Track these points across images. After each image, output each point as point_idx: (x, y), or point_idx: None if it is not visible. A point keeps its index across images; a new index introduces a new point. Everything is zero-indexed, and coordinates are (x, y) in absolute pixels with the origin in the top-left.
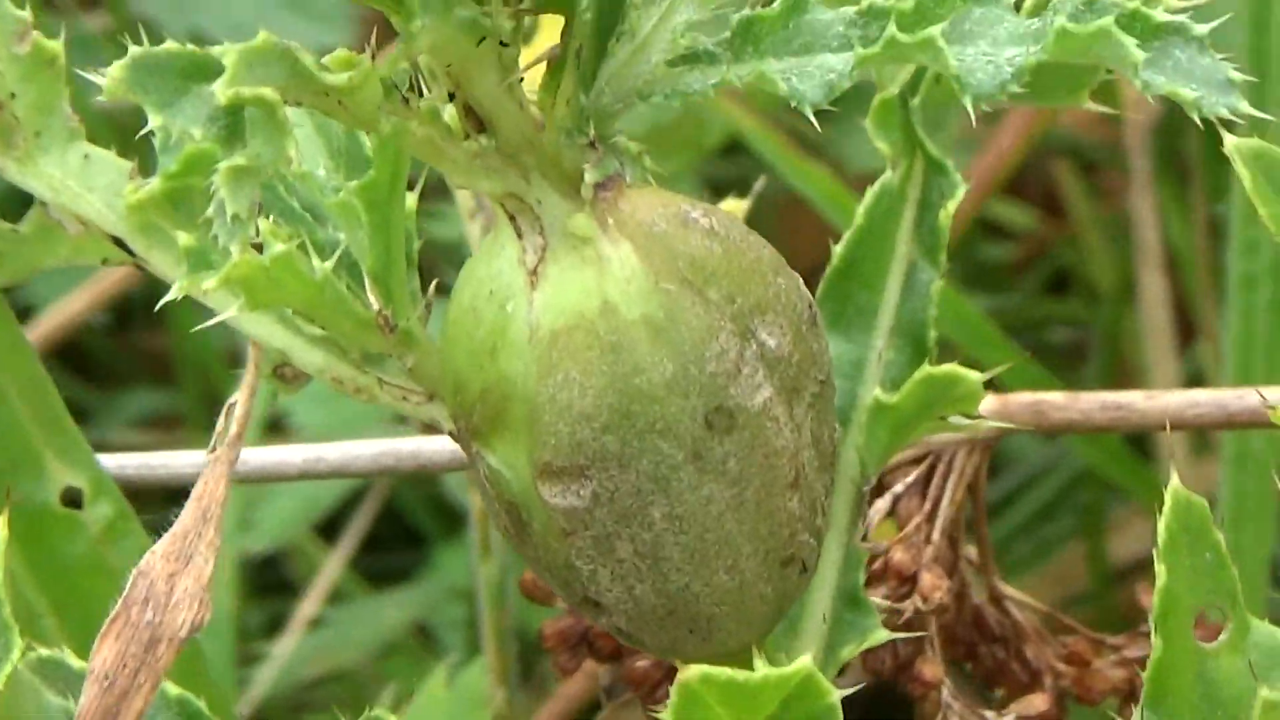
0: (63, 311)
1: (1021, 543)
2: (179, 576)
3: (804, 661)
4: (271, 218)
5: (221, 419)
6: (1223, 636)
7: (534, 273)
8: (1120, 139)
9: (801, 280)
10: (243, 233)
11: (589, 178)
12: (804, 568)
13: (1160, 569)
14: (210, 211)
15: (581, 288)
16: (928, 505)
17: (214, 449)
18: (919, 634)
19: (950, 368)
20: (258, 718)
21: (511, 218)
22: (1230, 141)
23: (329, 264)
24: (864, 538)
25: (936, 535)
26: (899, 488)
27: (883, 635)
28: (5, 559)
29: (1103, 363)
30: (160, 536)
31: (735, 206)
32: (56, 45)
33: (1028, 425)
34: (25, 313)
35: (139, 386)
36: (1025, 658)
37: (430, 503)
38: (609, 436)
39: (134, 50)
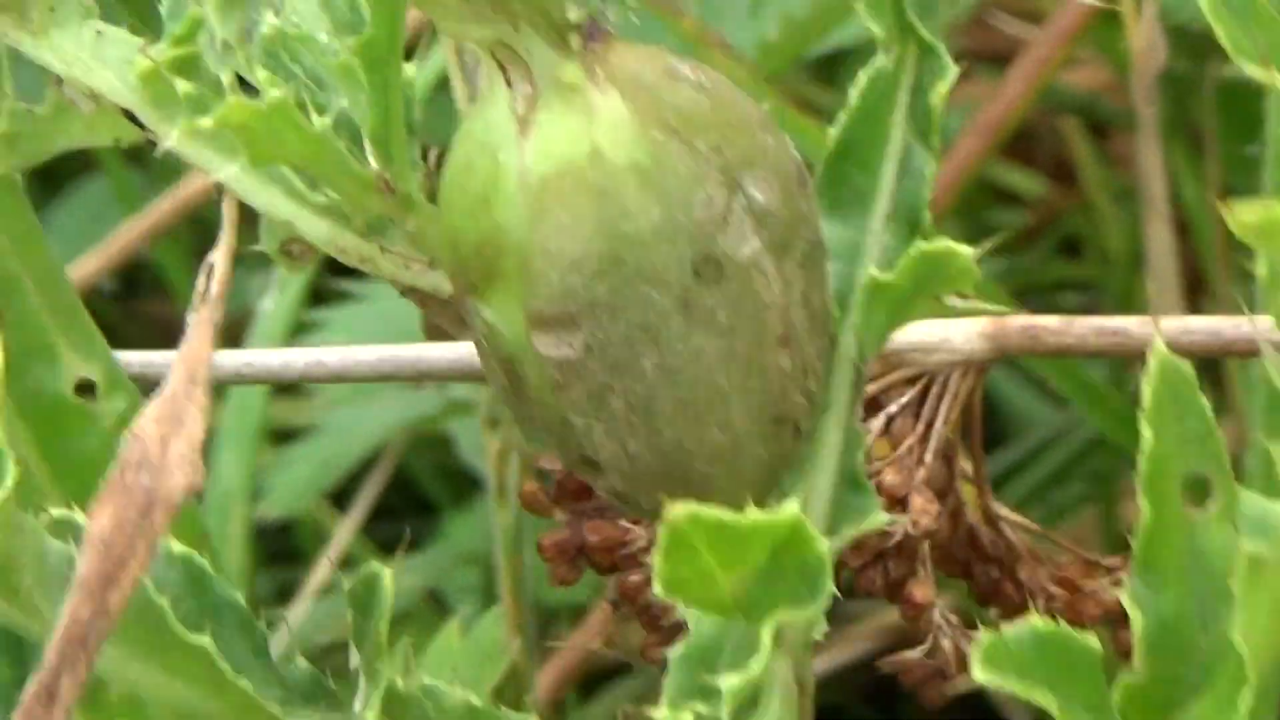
0: (71, 277)
1: (1034, 509)
2: (171, 439)
3: (791, 508)
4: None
5: (200, 279)
6: (1211, 505)
7: (524, 121)
8: (1131, 103)
9: (790, 142)
10: (232, 59)
11: (572, 15)
12: (797, 429)
13: (1147, 433)
14: (201, 42)
15: (570, 134)
16: (921, 426)
17: (196, 308)
18: (909, 557)
19: (943, 243)
20: None
21: (502, 68)
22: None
23: (328, 119)
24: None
25: (929, 457)
26: (893, 408)
27: (882, 518)
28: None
29: None
30: None
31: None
32: None
33: (1021, 349)
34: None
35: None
36: (1018, 578)
37: (442, 470)
38: (598, 283)
39: None
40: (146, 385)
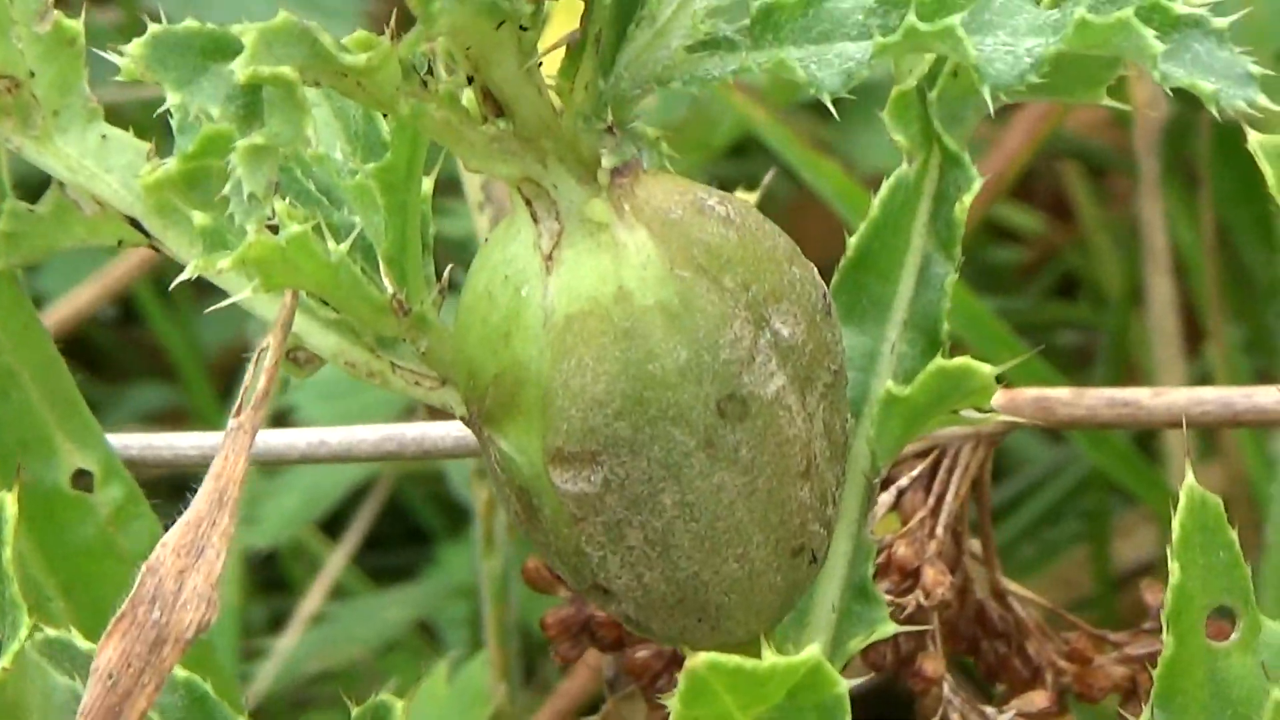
0: (70, 304)
1: (1026, 546)
2: (188, 573)
3: (812, 650)
4: (288, 200)
5: (246, 381)
6: (1234, 635)
7: (549, 257)
8: (1129, 142)
9: (816, 270)
10: (259, 212)
11: (606, 163)
12: (814, 558)
13: (1174, 567)
14: (227, 190)
15: (597, 273)
16: (932, 500)
17: (238, 412)
18: (922, 628)
19: (963, 361)
20: (259, 713)
21: (528, 202)
22: (1255, 138)
23: (344, 246)
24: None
25: (940, 530)
26: (904, 481)
27: (890, 628)
28: (14, 539)
29: (1110, 366)
30: (170, 524)
31: (743, 199)
32: (77, 25)
33: (1035, 421)
34: (33, 304)
35: (144, 381)
36: (1027, 654)
37: (434, 500)
38: (621, 422)
39: (154, 27)
40: (146, 468)
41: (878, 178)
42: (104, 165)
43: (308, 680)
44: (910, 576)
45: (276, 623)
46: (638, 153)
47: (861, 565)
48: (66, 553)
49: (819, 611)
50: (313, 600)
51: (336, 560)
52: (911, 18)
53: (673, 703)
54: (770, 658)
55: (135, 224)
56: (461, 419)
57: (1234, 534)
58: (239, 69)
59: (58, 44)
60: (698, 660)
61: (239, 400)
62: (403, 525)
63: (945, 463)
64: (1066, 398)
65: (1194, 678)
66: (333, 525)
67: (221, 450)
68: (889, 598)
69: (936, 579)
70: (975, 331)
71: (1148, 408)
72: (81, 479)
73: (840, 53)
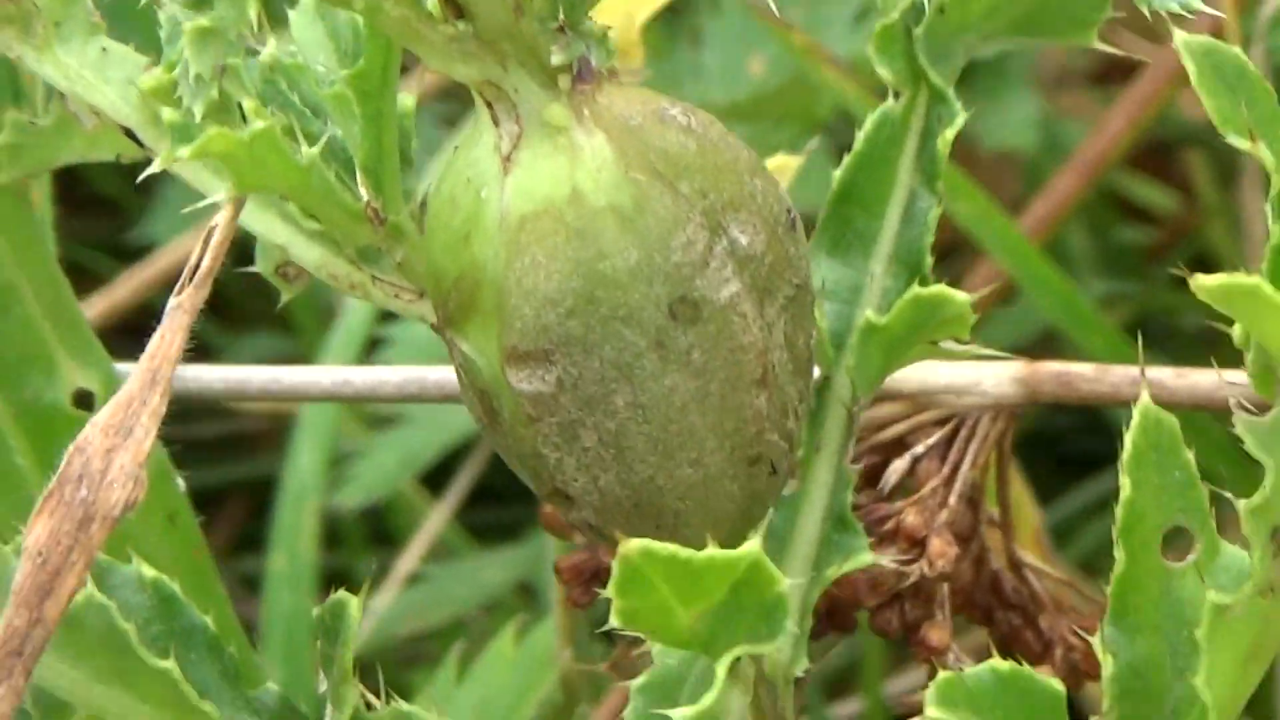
0: (181, 249)
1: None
2: (116, 452)
3: (752, 545)
4: (270, 110)
5: (191, 261)
6: (1191, 556)
7: (508, 159)
8: None
9: (781, 186)
10: (206, 93)
11: (555, 60)
12: (773, 468)
13: (1125, 482)
14: (175, 73)
15: (552, 174)
16: (946, 469)
17: (179, 291)
18: (926, 599)
19: (939, 288)
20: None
21: (489, 105)
22: (1180, 36)
23: (315, 149)
24: (883, 498)
25: (954, 499)
26: (919, 449)
27: (868, 557)
28: (7, 466)
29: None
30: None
31: (786, 163)
32: None
33: (1054, 395)
34: (145, 250)
35: (262, 328)
36: (1039, 627)
37: None
38: (573, 321)
39: None
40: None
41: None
42: (103, 77)
43: (399, 642)
44: (918, 545)
45: (379, 578)
46: (586, 50)
47: (841, 493)
48: None
49: (799, 542)
50: (411, 558)
51: (438, 517)
52: None
53: (608, 591)
54: (709, 550)
55: (131, 135)
56: (432, 327)
57: (1190, 455)
58: None
59: None
60: (631, 546)
61: (182, 279)
62: (514, 480)
63: (963, 432)
64: (1089, 373)
65: (1147, 595)
66: (437, 480)
67: (159, 330)
68: (894, 565)
69: (941, 549)
70: (1070, 319)
71: (1170, 387)
72: (84, 399)
73: None
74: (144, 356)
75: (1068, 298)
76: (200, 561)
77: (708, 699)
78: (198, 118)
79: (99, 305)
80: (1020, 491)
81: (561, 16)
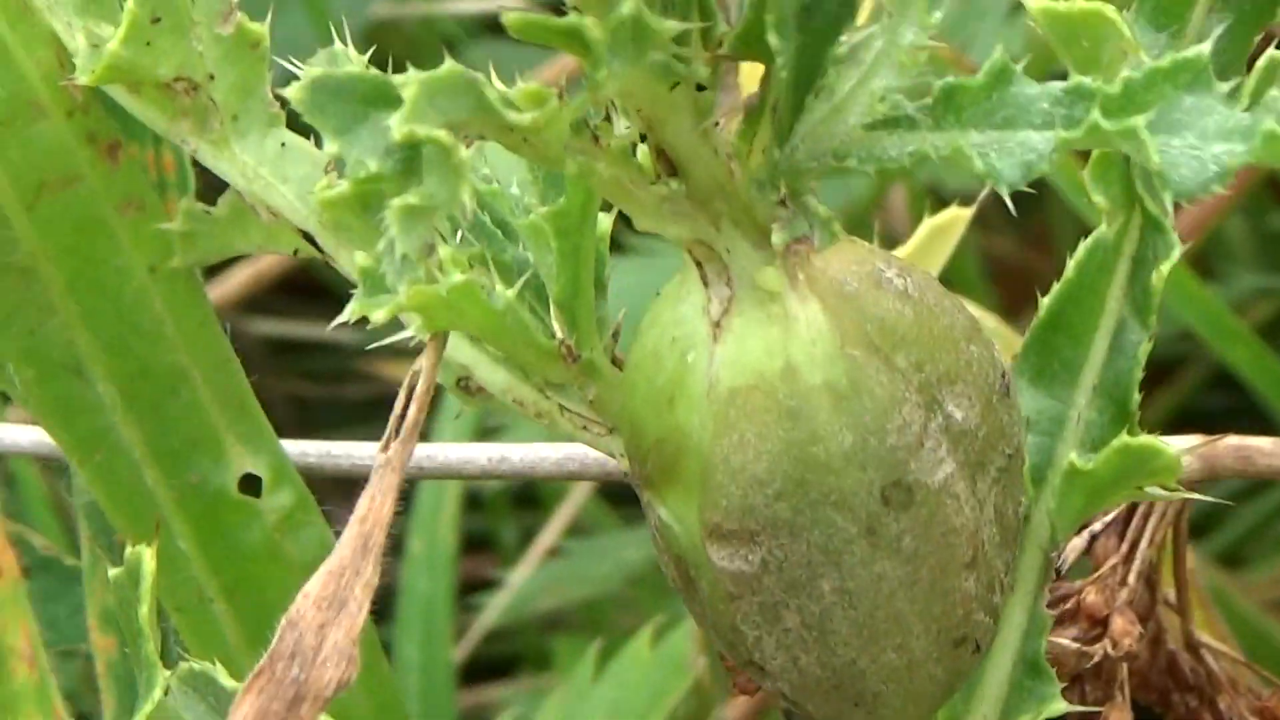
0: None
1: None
2: (329, 628)
3: None
4: (460, 234)
5: (396, 410)
6: None
7: (718, 324)
8: None
9: (997, 347)
10: (412, 273)
11: (777, 238)
12: (977, 647)
13: None
14: (380, 248)
15: (765, 346)
16: (1125, 546)
17: (385, 446)
18: (1107, 681)
19: (1149, 440)
20: (493, 639)
21: (699, 265)
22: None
23: (512, 292)
24: (1059, 575)
25: (1132, 578)
26: (1097, 526)
27: (1061, 707)
28: (170, 549)
29: None
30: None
31: (959, 216)
32: (261, 29)
33: (1232, 471)
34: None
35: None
36: (1218, 709)
37: None
38: (781, 504)
39: (313, 72)
40: (323, 476)
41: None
42: (280, 175)
43: (540, 616)
44: (1099, 624)
45: (526, 540)
46: (809, 229)
47: (1035, 639)
48: (231, 556)
49: (989, 686)
50: (552, 533)
51: (581, 493)
52: (1095, 113)
53: None
54: None
55: (310, 240)
56: (623, 474)
57: None
58: (396, 126)
59: (240, 47)
60: None
61: (388, 433)
62: None
63: (1141, 508)
64: (1267, 448)
65: None
66: None
67: (368, 490)
68: (1076, 645)
69: (1125, 628)
70: (1203, 321)
71: None
72: (250, 483)
73: (1023, 141)
74: (353, 520)
75: (1201, 300)
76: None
77: None
78: (401, 299)
79: None
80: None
81: (783, 189)
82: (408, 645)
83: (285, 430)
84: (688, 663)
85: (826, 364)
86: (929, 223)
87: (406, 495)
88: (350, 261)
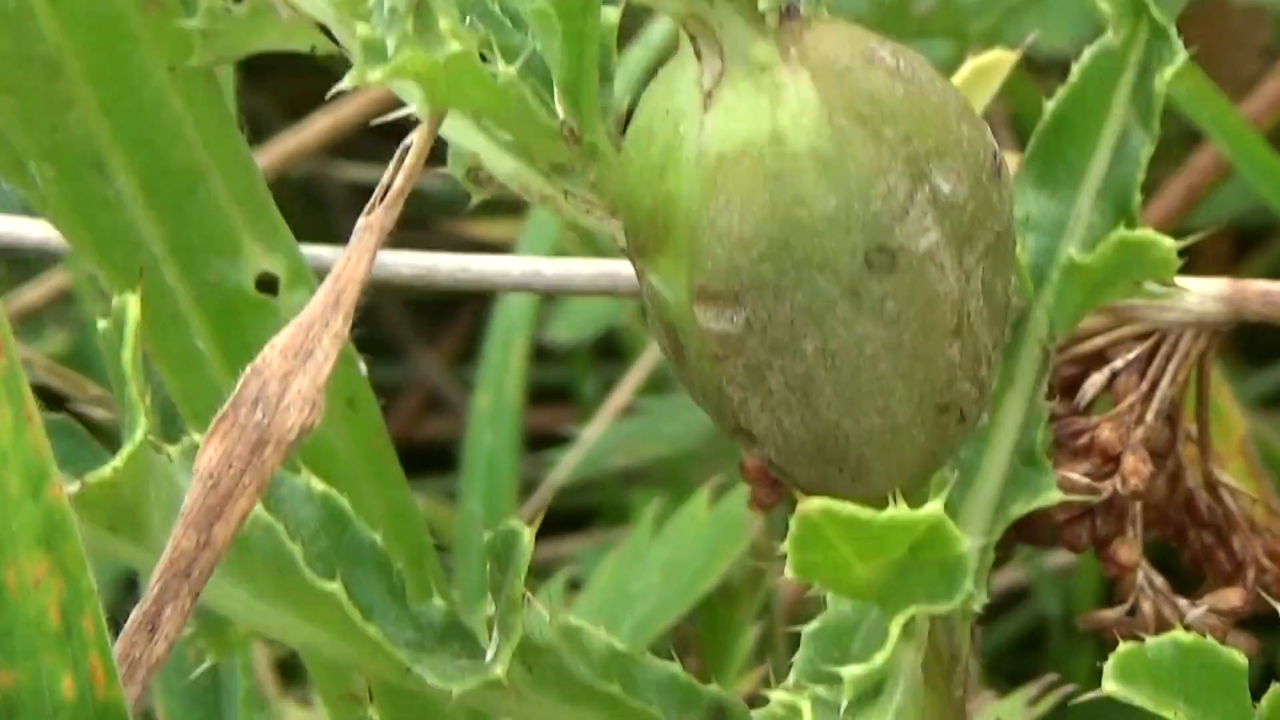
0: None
1: None
2: (294, 376)
3: (934, 508)
4: (469, 19)
5: (384, 179)
6: None
7: (709, 95)
8: None
9: (989, 130)
10: (399, 26)
11: (763, 4)
12: (962, 416)
13: None
14: (370, 2)
15: (752, 114)
16: (1145, 385)
17: (369, 211)
18: (1118, 516)
19: (1145, 232)
20: (565, 493)
21: (693, 39)
22: None
23: (513, 69)
24: (1079, 411)
25: (1150, 416)
26: (1118, 364)
27: (1056, 496)
28: (188, 347)
29: None
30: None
31: (1001, 59)
32: None
33: (1259, 315)
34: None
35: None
36: (1232, 548)
37: None
38: (765, 265)
39: None
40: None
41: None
42: None
43: (607, 476)
44: (1112, 461)
45: (604, 393)
46: (799, 17)
47: (1032, 431)
48: (247, 354)
49: (986, 474)
50: (626, 391)
51: (656, 350)
52: None
53: (785, 546)
54: (889, 510)
55: (328, 33)
56: (622, 251)
57: None
58: None
59: None
60: (811, 505)
61: (373, 198)
62: None
63: (1164, 349)
64: None
65: None
66: None
67: (346, 250)
68: (1087, 480)
69: (1135, 467)
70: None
71: None
72: (267, 283)
73: None
74: (329, 278)
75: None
76: (379, 447)
77: (879, 658)
78: (390, 48)
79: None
80: (1228, 405)
81: None
82: (471, 499)
83: None
84: (744, 524)
85: (813, 131)
86: (972, 62)
87: (472, 348)
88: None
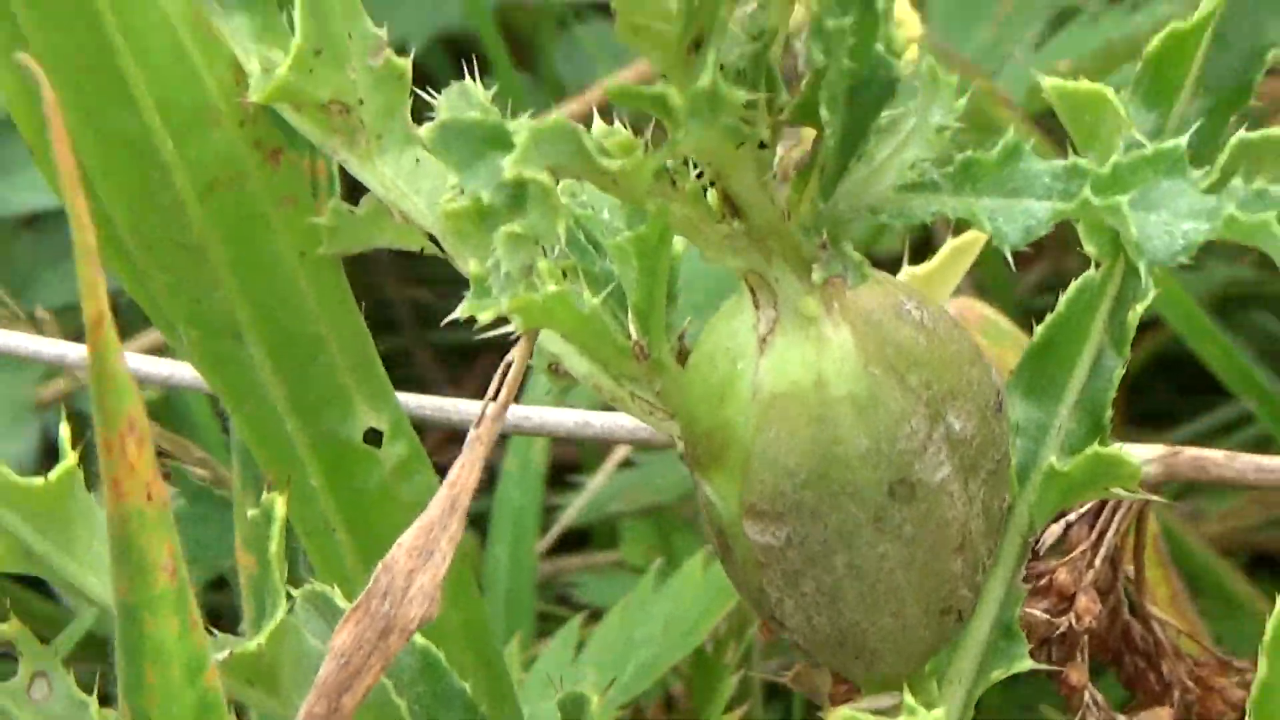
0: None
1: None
2: (417, 573)
3: (938, 714)
4: (558, 249)
5: (488, 395)
6: None
7: (764, 340)
8: None
9: (994, 369)
10: (513, 289)
11: (816, 277)
12: (960, 616)
13: (1263, 664)
14: (489, 264)
15: (801, 361)
16: (1094, 535)
17: (478, 424)
18: (1070, 645)
19: (1116, 450)
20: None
21: (752, 290)
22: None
23: (597, 300)
24: (1038, 556)
25: (1099, 561)
26: (1072, 516)
27: (1028, 664)
28: (304, 486)
29: None
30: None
31: (975, 239)
32: (405, 62)
33: (1189, 477)
34: None
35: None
36: (1161, 671)
37: None
38: (806, 491)
39: (443, 117)
40: (434, 426)
41: None
42: (413, 186)
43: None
44: (1067, 600)
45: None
46: (843, 270)
47: (1010, 608)
48: (353, 496)
49: (969, 646)
50: (625, 447)
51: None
52: (1087, 190)
53: None
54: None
55: (435, 241)
56: (679, 455)
57: None
58: (508, 167)
59: (387, 77)
60: (838, 714)
61: (480, 412)
62: None
63: (1110, 504)
64: (1220, 460)
65: None
66: None
67: (459, 460)
68: (1046, 616)
69: (1088, 605)
70: (1178, 317)
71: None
72: (373, 436)
73: (1026, 209)
74: (445, 483)
75: (1176, 297)
76: (474, 609)
77: None
78: (503, 307)
79: None
80: (1165, 564)
81: (825, 234)
82: (499, 545)
83: (429, 379)
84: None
85: (851, 379)
86: (951, 243)
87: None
88: (466, 263)
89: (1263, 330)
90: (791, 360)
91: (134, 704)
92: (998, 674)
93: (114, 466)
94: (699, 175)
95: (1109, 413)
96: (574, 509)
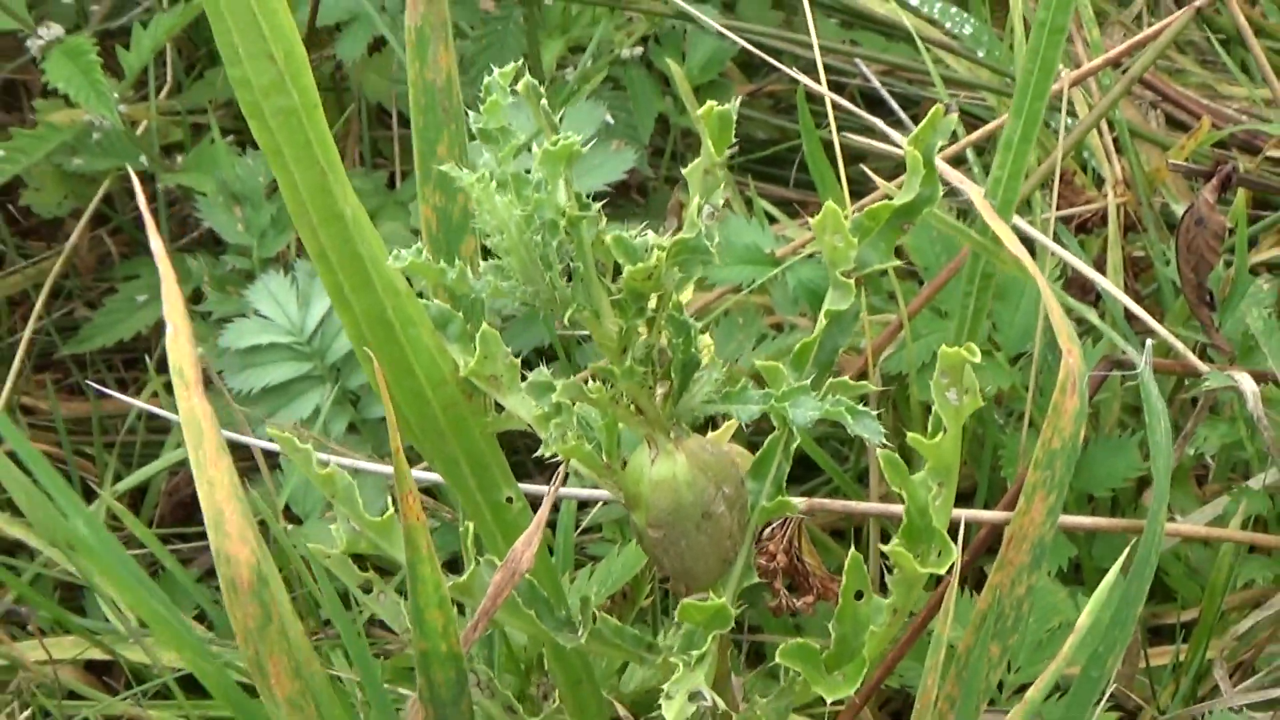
0: None
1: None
2: (521, 552)
3: (723, 600)
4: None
5: (549, 492)
6: None
7: (652, 461)
8: None
9: (739, 468)
10: (562, 441)
11: (671, 436)
12: (731, 563)
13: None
14: (548, 434)
15: (669, 470)
16: (783, 530)
17: (546, 502)
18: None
19: (787, 499)
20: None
21: (648, 441)
22: (704, 110)
23: (590, 446)
24: (759, 539)
25: (785, 540)
26: (775, 522)
27: (755, 579)
28: (484, 523)
29: None
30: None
31: (730, 425)
32: None
33: (821, 509)
34: None
35: None
36: (808, 580)
37: None
38: (669, 517)
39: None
40: (532, 497)
41: None
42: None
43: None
44: (772, 556)
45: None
46: (682, 433)
47: (749, 558)
48: (504, 529)
49: (734, 573)
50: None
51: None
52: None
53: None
54: (713, 599)
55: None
56: (622, 504)
57: None
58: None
59: None
60: (687, 601)
61: (547, 495)
62: None
63: (789, 517)
64: (836, 502)
65: None
66: None
67: (536, 517)
68: (764, 562)
69: (779, 558)
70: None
71: None
72: (507, 500)
73: (806, 404)
74: (533, 522)
75: None
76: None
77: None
78: (559, 450)
79: None
80: (807, 540)
81: (677, 419)
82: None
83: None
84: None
85: (686, 475)
86: (726, 424)
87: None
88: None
89: None
90: (662, 470)
91: (416, 617)
92: (746, 584)
93: (405, 507)
94: (628, 399)
95: (784, 484)
96: (587, 518)
